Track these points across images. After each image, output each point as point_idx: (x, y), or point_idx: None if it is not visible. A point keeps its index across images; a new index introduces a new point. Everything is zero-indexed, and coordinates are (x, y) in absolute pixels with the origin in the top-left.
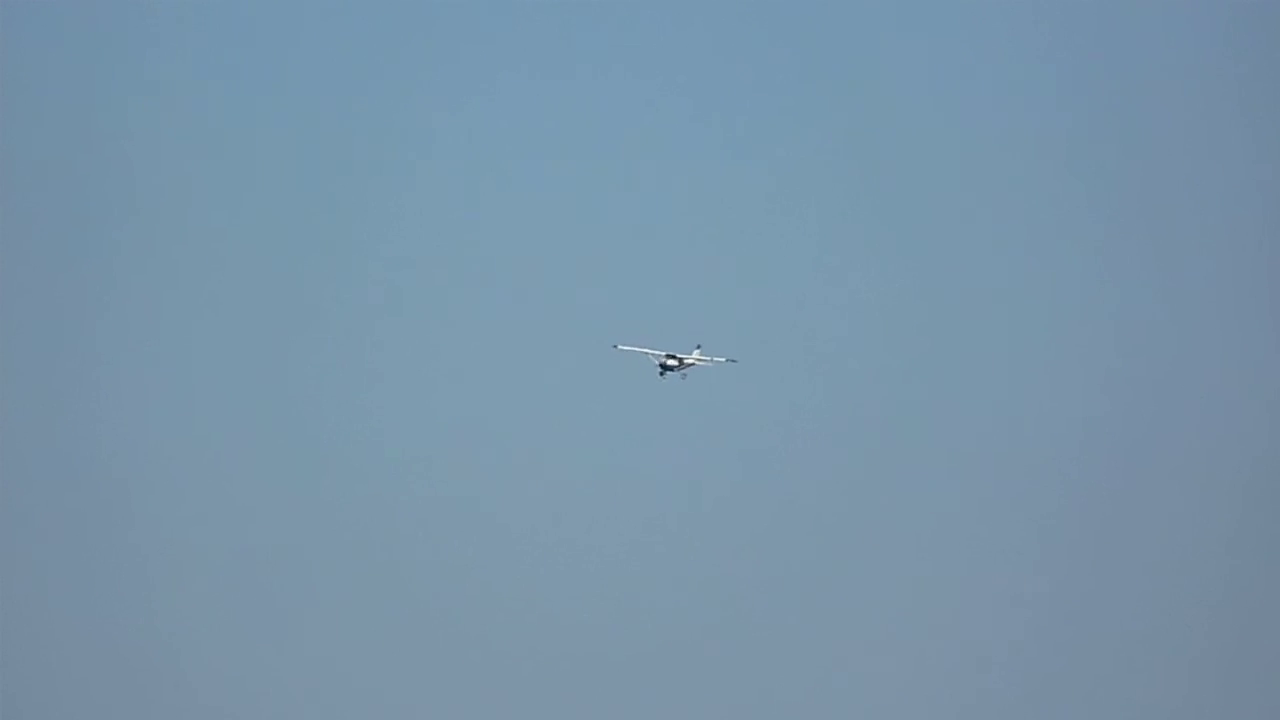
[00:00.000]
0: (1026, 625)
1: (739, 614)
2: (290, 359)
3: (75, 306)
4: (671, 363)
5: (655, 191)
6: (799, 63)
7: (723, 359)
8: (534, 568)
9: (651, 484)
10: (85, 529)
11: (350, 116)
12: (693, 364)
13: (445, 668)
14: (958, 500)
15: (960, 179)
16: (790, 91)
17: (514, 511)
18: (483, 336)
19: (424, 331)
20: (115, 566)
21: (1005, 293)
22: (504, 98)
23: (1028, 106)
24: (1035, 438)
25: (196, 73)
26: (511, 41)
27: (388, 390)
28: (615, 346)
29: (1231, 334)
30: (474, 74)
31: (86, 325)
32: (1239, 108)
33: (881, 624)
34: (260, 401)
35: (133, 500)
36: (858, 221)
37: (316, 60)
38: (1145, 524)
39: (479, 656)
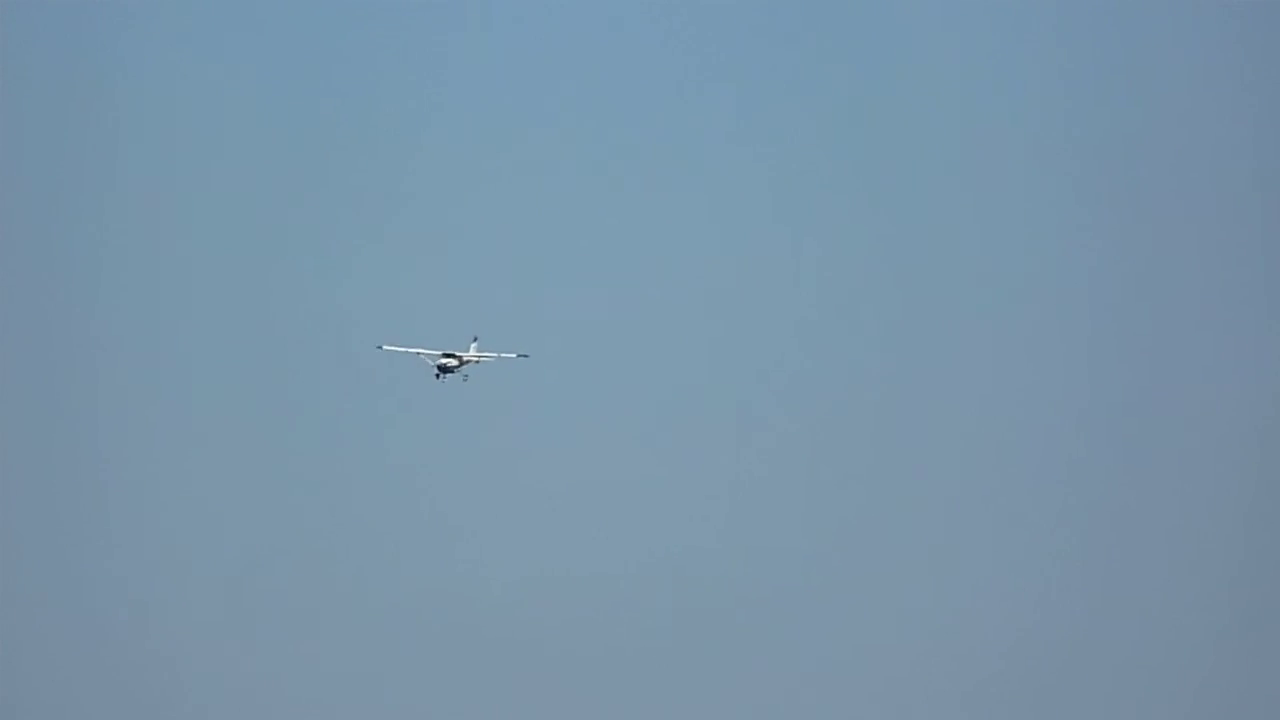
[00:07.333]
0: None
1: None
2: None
3: (75, 305)
4: (450, 362)
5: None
6: None
7: (512, 355)
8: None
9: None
10: (84, 528)
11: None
12: (474, 360)
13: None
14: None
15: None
16: None
17: None
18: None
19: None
20: (116, 566)
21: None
22: None
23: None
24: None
25: (192, 66)
26: None
27: None
28: (380, 347)
29: (1230, 330)
30: None
31: (85, 324)
32: (1237, 106)
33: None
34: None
35: (132, 498)
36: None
37: None
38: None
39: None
